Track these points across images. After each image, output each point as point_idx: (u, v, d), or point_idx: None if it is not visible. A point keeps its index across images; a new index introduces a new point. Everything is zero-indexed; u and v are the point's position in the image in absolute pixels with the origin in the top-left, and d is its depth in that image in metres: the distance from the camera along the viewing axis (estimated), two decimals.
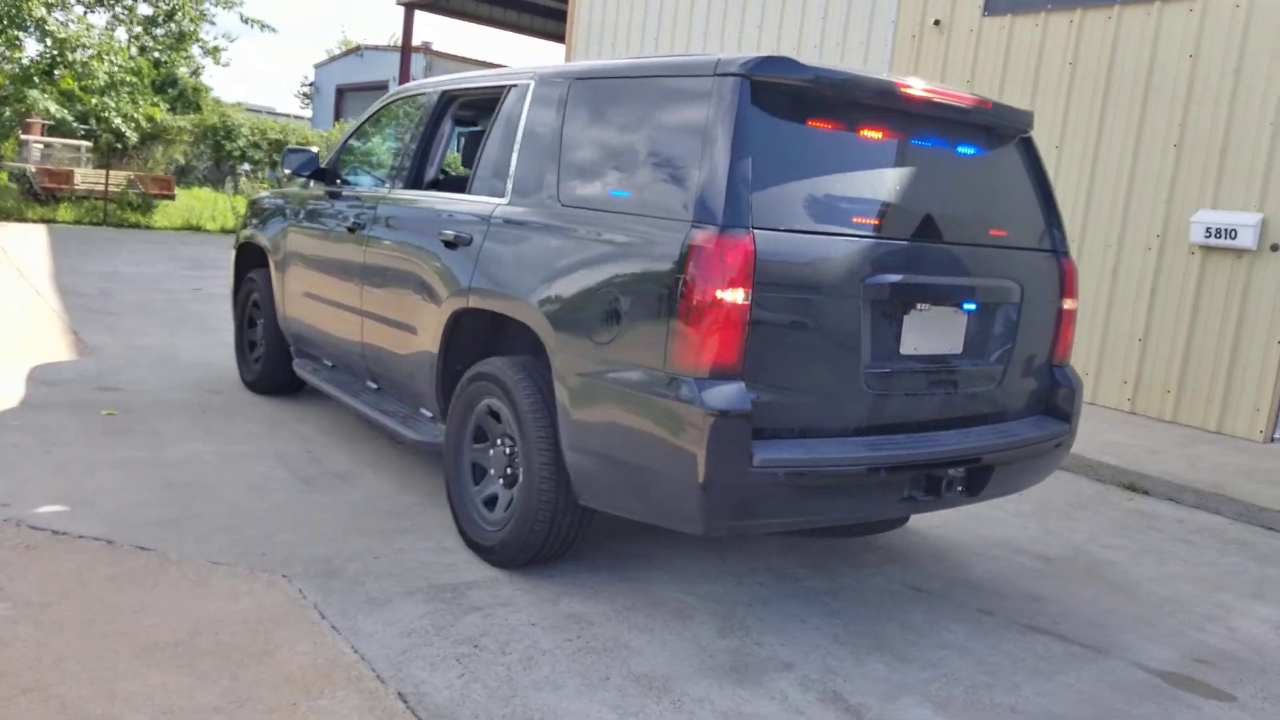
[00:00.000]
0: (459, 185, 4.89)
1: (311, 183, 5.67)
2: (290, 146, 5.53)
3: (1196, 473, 6.17)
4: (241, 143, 20.30)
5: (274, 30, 17.51)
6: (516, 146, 3.98)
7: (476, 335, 4.13)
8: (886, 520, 3.77)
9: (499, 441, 3.85)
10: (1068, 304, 3.97)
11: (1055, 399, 3.97)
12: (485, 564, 3.80)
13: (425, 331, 4.25)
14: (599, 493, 3.39)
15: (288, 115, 35.33)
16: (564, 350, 3.39)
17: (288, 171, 5.49)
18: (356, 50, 30.95)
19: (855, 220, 3.28)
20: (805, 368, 3.16)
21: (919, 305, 3.39)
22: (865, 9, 10.36)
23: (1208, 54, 7.65)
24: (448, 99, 4.74)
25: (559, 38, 23.63)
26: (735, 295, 2.97)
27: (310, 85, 35.20)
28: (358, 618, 3.25)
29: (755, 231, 3.01)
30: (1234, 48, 7.51)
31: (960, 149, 3.63)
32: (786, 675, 3.17)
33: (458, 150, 5.02)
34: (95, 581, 3.32)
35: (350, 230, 4.95)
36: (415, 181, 4.73)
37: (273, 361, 6.01)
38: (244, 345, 6.40)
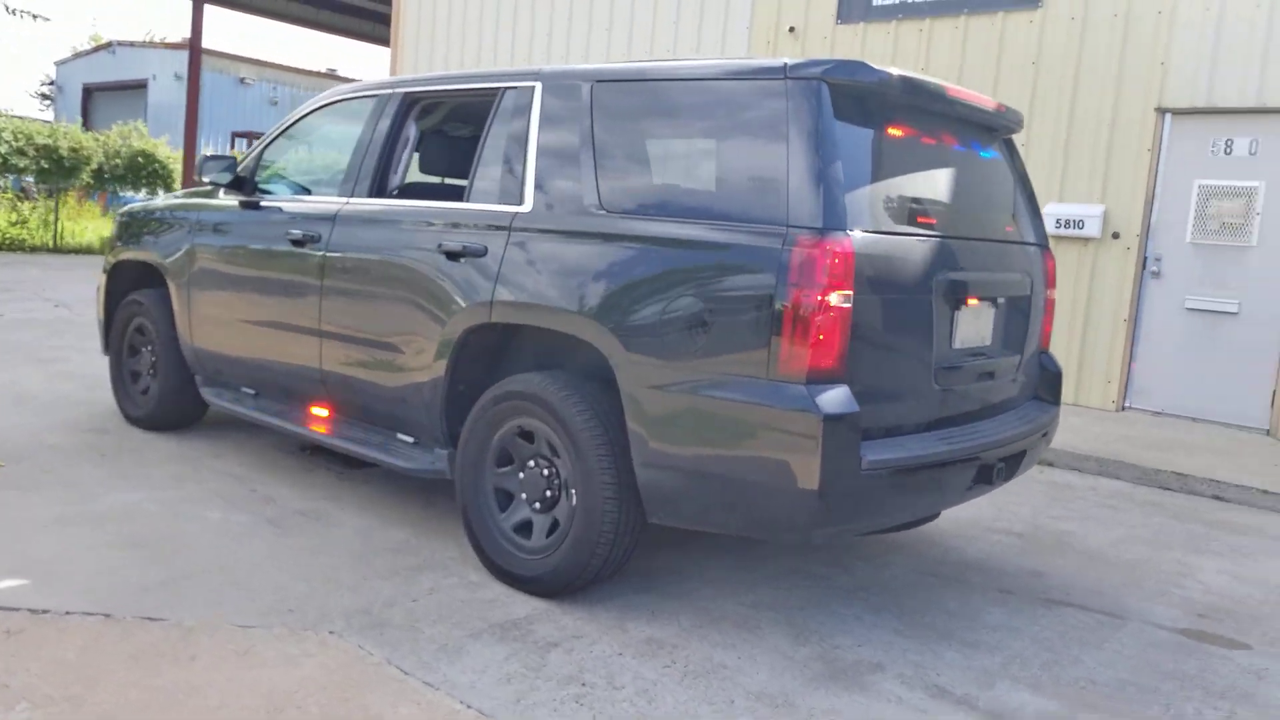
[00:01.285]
0: (439, 193, 4.62)
1: (222, 193, 5.12)
2: (209, 154, 4.97)
3: (1086, 442, 6.74)
4: (3, 149, 18.05)
5: (46, 19, 15.46)
6: (531, 152, 3.76)
7: (488, 352, 3.88)
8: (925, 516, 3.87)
9: (532, 464, 3.63)
10: (1051, 294, 4.22)
11: (1045, 383, 4.21)
12: (525, 595, 3.57)
13: (423, 351, 3.94)
14: (680, 508, 3.26)
15: (24, 118, 31.85)
16: (635, 363, 3.23)
17: (207, 181, 4.93)
18: (108, 46, 28.29)
19: (920, 220, 3.34)
20: (890, 366, 3.19)
21: (969, 301, 3.49)
22: (719, 13, 10.58)
23: (1048, 61, 8.37)
24: (410, 101, 4.41)
25: (369, 37, 22.77)
26: (839, 298, 2.94)
27: (51, 84, 31.86)
28: (442, 668, 2.97)
29: (852, 234, 2.99)
30: (1072, 55, 8.26)
31: (980, 150, 3.78)
32: (883, 675, 3.18)
33: (422, 155, 4.65)
34: (117, 664, 2.85)
35: (297, 244, 4.51)
36: (379, 190, 4.38)
37: (171, 393, 5.39)
38: (123, 377, 5.70)
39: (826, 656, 3.29)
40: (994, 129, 3.90)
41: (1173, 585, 4.29)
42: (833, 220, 2.97)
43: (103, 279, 5.87)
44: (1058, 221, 8.16)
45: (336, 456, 5.14)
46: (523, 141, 3.82)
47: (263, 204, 4.90)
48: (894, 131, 3.32)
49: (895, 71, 3.23)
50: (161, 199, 5.89)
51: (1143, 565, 4.54)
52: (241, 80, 27.68)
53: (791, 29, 9.95)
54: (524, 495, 3.67)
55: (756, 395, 3.00)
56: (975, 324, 3.57)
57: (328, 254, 4.37)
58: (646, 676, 3.03)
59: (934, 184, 3.46)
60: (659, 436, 3.20)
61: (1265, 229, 7.44)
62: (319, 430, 4.58)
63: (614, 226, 3.40)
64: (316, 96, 4.98)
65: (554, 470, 3.57)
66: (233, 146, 25.13)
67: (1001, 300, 3.73)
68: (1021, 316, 3.91)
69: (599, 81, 3.67)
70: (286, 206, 4.78)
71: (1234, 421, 7.57)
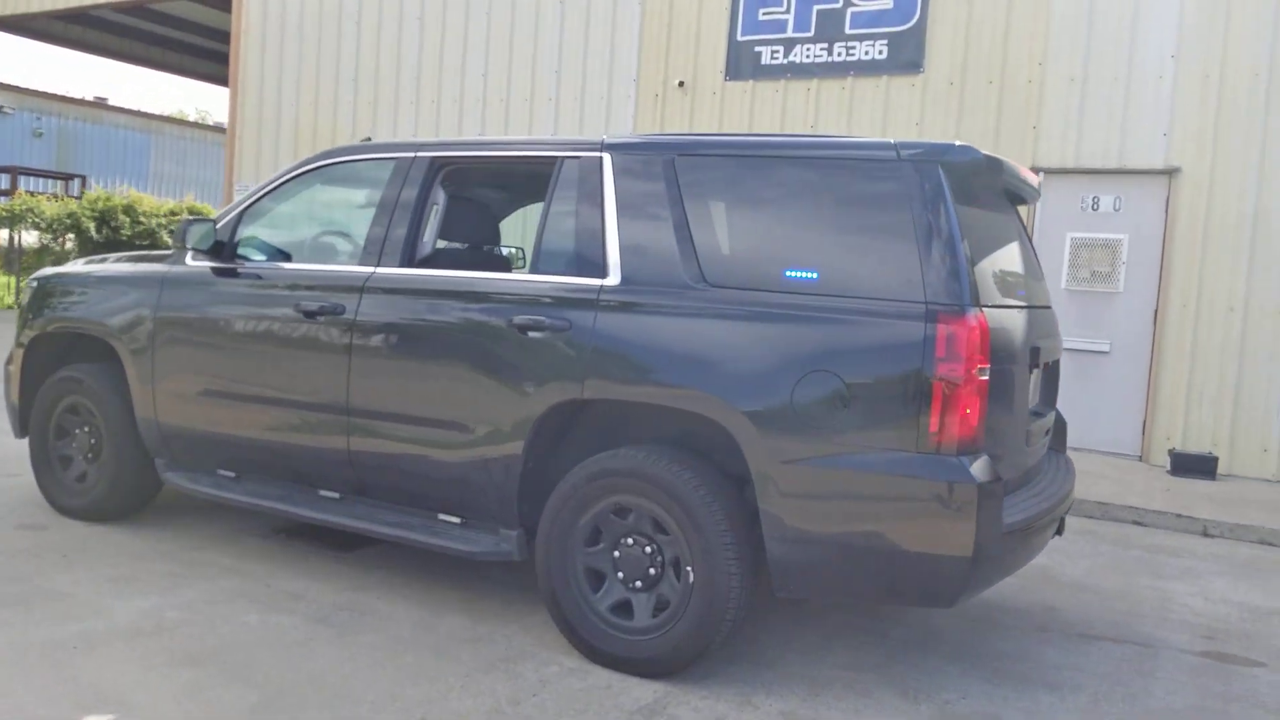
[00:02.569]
0: (473, 262, 4.44)
1: (189, 258, 4.70)
2: (191, 217, 4.54)
3: None
4: None
5: None
6: (610, 224, 3.71)
7: (568, 430, 3.77)
8: None
9: (630, 542, 3.55)
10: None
11: (1058, 434, 4.55)
12: (635, 677, 3.48)
13: (492, 429, 3.77)
14: (816, 581, 3.30)
15: None
16: (768, 440, 3.25)
17: (191, 248, 4.51)
18: None
19: (1012, 292, 3.57)
20: (1003, 431, 3.37)
21: (1038, 365, 3.75)
22: (603, 66, 10.73)
23: (931, 123, 9.06)
24: (439, 165, 4.24)
25: (211, 78, 21.52)
26: (980, 372, 3.10)
27: None
28: None
29: (984, 310, 3.17)
30: (952, 117, 8.98)
31: (1019, 220, 4.08)
32: None
33: (450, 222, 4.43)
34: None
35: (311, 315, 4.21)
36: (409, 259, 4.17)
37: (125, 479, 4.86)
38: (51, 463, 5.09)
39: (947, 712, 3.40)
40: (1027, 201, 4.21)
41: (1166, 611, 4.72)
42: (969, 297, 3.14)
43: (17, 353, 5.22)
44: None
45: (317, 538, 4.84)
46: (597, 213, 3.76)
47: (248, 270, 4.54)
48: (980, 208, 3.54)
49: (984, 152, 3.45)
50: (87, 263, 5.32)
51: (1128, 594, 4.96)
52: None
53: (681, 84, 10.25)
54: (620, 575, 3.58)
55: (907, 468, 3.10)
56: (1037, 386, 3.84)
57: (356, 327, 4.11)
58: None
59: (1009, 256, 3.71)
60: (795, 511, 3.23)
61: (1130, 277, 8.35)
62: (329, 515, 4.27)
63: (727, 301, 3.42)
64: (304, 159, 4.68)
65: (656, 548, 3.51)
66: None
67: (1050, 362, 4.03)
68: (1053, 375, 4.23)
69: (682, 155, 3.69)
70: (286, 274, 4.46)
71: (1110, 450, 8.39)
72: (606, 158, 3.83)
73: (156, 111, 34.55)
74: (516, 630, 3.88)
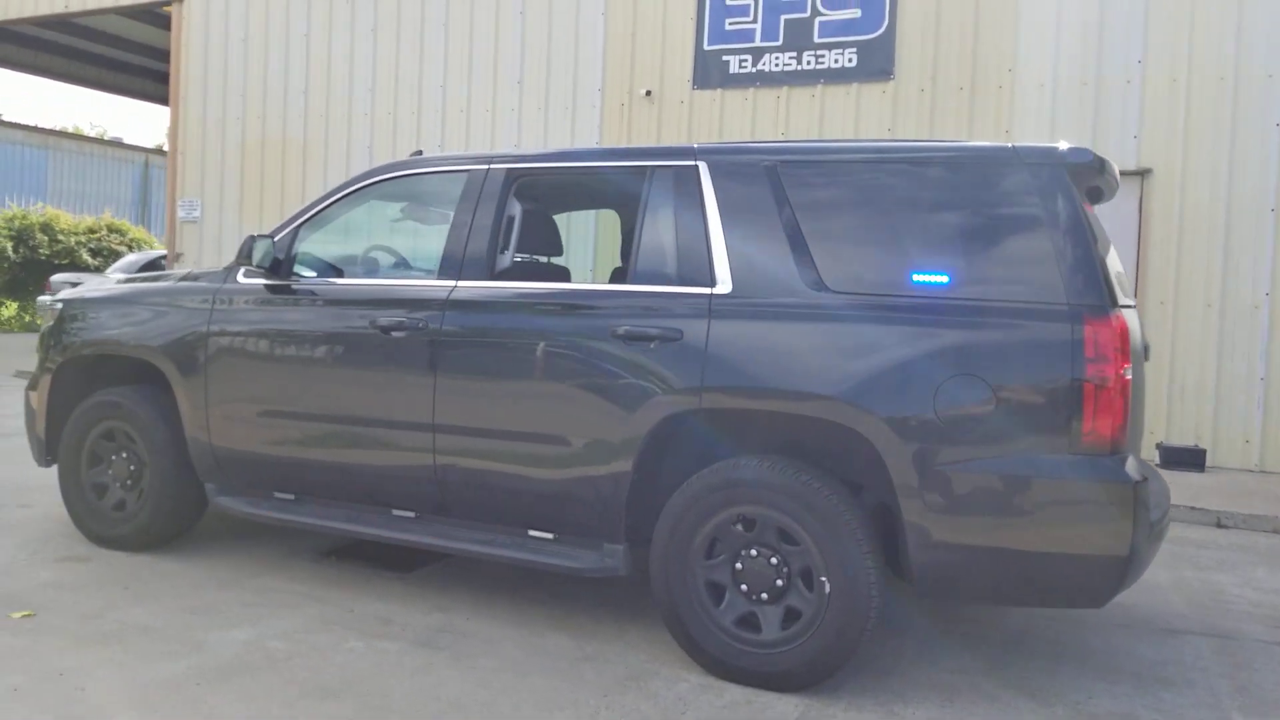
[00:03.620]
0: (552, 274, 4.32)
1: (242, 275, 4.46)
2: (255, 234, 4.30)
3: None
4: None
5: None
6: (715, 232, 3.63)
7: (680, 440, 3.68)
8: None
9: (753, 553, 3.48)
10: None
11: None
12: (768, 692, 3.40)
13: (598, 442, 3.65)
14: (964, 586, 3.27)
15: None
16: (910, 446, 3.20)
17: (256, 264, 4.26)
18: None
19: (1129, 290, 3.63)
20: (1134, 429, 3.42)
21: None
22: (566, 76, 10.63)
23: (902, 129, 9.23)
24: (515, 178, 4.10)
25: (150, 96, 20.65)
26: (1125, 371, 3.14)
27: None
28: None
29: (1120, 310, 3.21)
30: (924, 123, 9.17)
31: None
32: None
33: (526, 234, 4.28)
34: None
35: (388, 331, 4.03)
36: (489, 272, 4.02)
37: (170, 505, 4.60)
38: (83, 493, 4.77)
39: (1081, 712, 3.39)
40: (1104, 201, 4.27)
41: (1225, 603, 4.82)
42: (1110, 298, 3.17)
43: (43, 379, 4.88)
44: None
45: (369, 560, 4.67)
46: (699, 221, 3.68)
47: (309, 287, 4.34)
48: (1089, 208, 3.58)
49: (1095, 152, 3.50)
50: (115, 284, 5.00)
51: (1181, 587, 5.08)
52: None
53: (648, 93, 10.22)
54: (744, 587, 3.49)
55: (1062, 470, 3.10)
56: None
57: (442, 341, 3.94)
58: None
59: (1112, 255, 3.77)
60: (942, 517, 3.20)
61: None
62: (406, 534, 4.10)
63: (854, 306, 3.38)
64: (363, 173, 4.48)
65: (781, 559, 3.45)
66: None
67: None
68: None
69: (785, 161, 3.65)
70: (356, 289, 4.28)
71: None
72: (702, 166, 3.76)
73: (51, 126, 32.85)
74: (623, 647, 3.76)
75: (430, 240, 4.68)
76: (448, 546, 4.00)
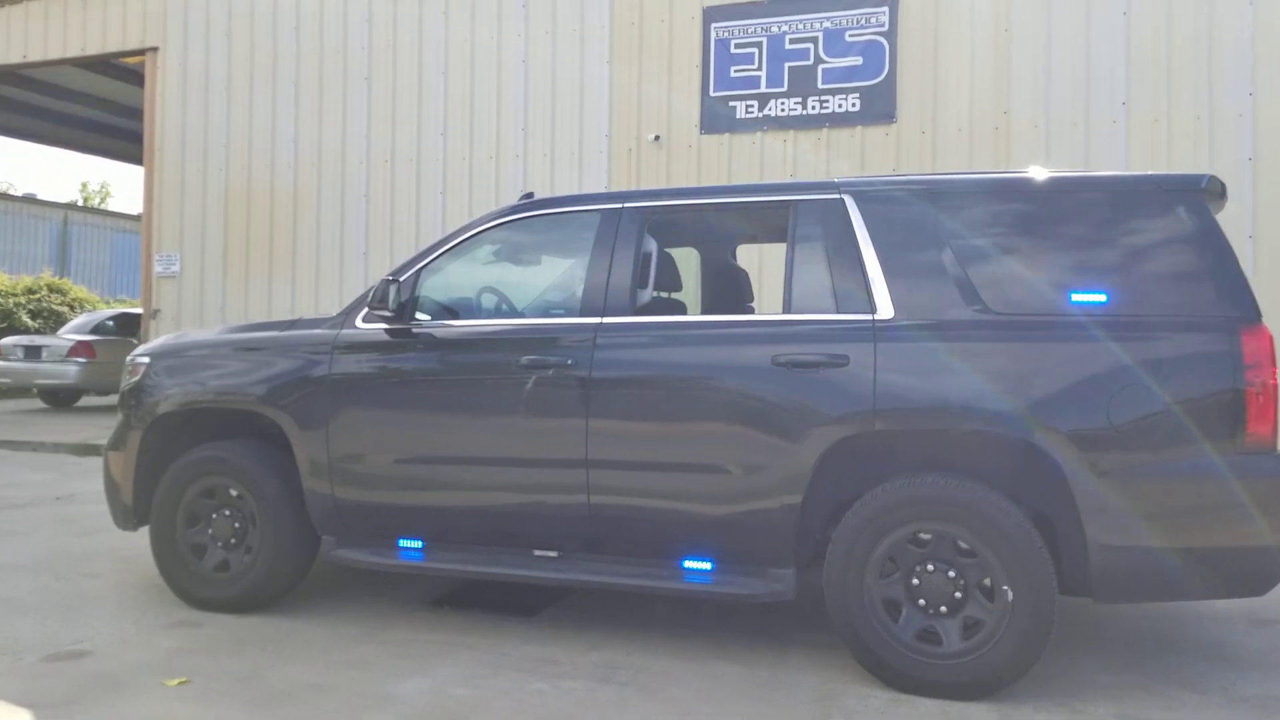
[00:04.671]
0: (679, 309, 4.49)
1: (360, 320, 4.49)
2: (388, 276, 4.32)
3: None
4: None
5: None
6: (871, 260, 3.82)
7: (847, 463, 3.82)
8: None
9: (929, 568, 3.63)
10: None
11: None
12: (957, 702, 3.54)
13: (765, 469, 3.78)
14: (1139, 586, 3.48)
15: None
16: (1086, 456, 3.42)
17: (390, 309, 4.28)
18: None
19: None
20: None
21: None
22: (572, 123, 10.84)
23: (906, 169, 9.63)
24: (648, 215, 4.25)
25: (122, 156, 20.29)
26: (1275, 375, 3.41)
27: None
28: None
29: None
30: (926, 163, 9.59)
31: None
32: None
33: (664, 270, 4.41)
34: None
35: (532, 370, 4.11)
36: (632, 308, 4.14)
37: (284, 563, 4.52)
38: (179, 554, 4.65)
39: (1235, 698, 3.62)
40: None
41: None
42: (1258, 311, 3.45)
43: (132, 436, 4.77)
44: None
45: (488, 606, 4.71)
46: (852, 251, 3.87)
47: (438, 330, 4.39)
48: None
49: (1218, 178, 3.78)
50: (206, 335, 4.96)
51: None
52: None
53: (656, 137, 10.48)
54: (921, 602, 3.65)
55: (1231, 470, 3.34)
56: None
57: (593, 378, 4.03)
58: None
59: None
60: (1119, 523, 3.41)
61: None
62: (551, 573, 4.16)
63: (1021, 326, 3.59)
64: (486, 215, 4.57)
65: (959, 572, 3.61)
66: None
67: None
68: None
69: (933, 192, 3.87)
70: (491, 330, 4.36)
71: None
72: (848, 199, 3.97)
73: None
74: (795, 670, 3.87)
75: (546, 280, 4.78)
76: (605, 582, 4.06)
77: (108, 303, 24.05)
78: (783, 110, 10.02)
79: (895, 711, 3.46)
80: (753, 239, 5.26)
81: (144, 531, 4.88)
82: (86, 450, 10.17)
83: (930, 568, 3.63)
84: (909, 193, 3.91)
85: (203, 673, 3.75)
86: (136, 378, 4.87)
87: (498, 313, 4.63)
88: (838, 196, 3.99)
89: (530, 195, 4.76)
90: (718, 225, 4.89)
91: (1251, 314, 3.44)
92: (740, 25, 10.17)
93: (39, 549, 5.82)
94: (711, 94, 10.29)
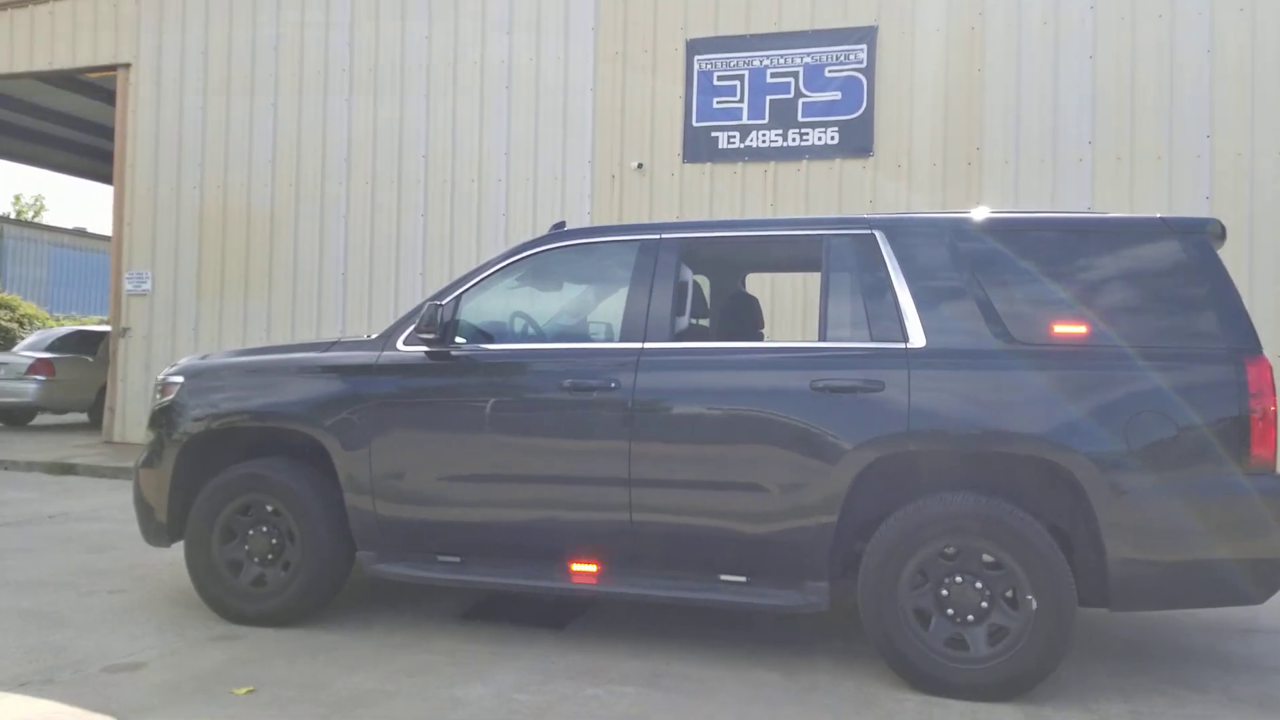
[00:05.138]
0: (706, 335, 4.71)
1: (402, 343, 4.64)
2: (433, 300, 4.47)
3: None
4: None
5: None
6: (903, 292, 4.09)
7: (876, 483, 4.07)
8: None
9: (958, 580, 3.89)
10: None
11: None
12: (984, 703, 3.80)
13: (802, 488, 4.01)
14: (1151, 596, 3.78)
15: None
16: (1106, 476, 3.71)
17: (435, 332, 4.44)
18: None
19: None
20: None
21: None
22: (556, 148, 11.05)
23: (883, 201, 10.02)
24: (688, 246, 4.49)
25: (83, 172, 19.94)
26: (1275, 402, 3.74)
27: None
28: None
29: None
30: (901, 197, 9.99)
31: None
32: None
33: (698, 298, 4.64)
34: None
35: (575, 393, 4.30)
36: (671, 334, 4.36)
37: (323, 577, 4.64)
38: (216, 569, 4.74)
39: (1234, 697, 3.93)
40: None
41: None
42: (1259, 342, 3.79)
43: (168, 453, 4.85)
44: None
45: (517, 619, 4.88)
46: (884, 283, 4.14)
47: (480, 353, 4.56)
48: None
49: (1219, 220, 4.13)
50: (240, 355, 5.06)
51: None
52: None
53: (640, 165, 10.74)
54: (950, 611, 3.90)
55: (1238, 489, 3.67)
56: None
57: (636, 400, 4.24)
58: None
59: None
60: (1137, 538, 3.71)
61: None
62: (584, 585, 4.34)
63: (1045, 355, 3.88)
64: (524, 243, 4.76)
65: (985, 583, 3.87)
66: None
67: None
68: None
69: (958, 229, 4.17)
70: (534, 354, 4.57)
71: None
72: (879, 234, 4.24)
73: None
74: (830, 677, 4.09)
75: (583, 306, 4.98)
76: (646, 595, 4.25)
77: (58, 320, 23.56)
78: (764, 141, 10.36)
79: (929, 713, 3.70)
80: (783, 269, 5.51)
81: (155, 549, 4.98)
82: (62, 469, 10.04)
83: (959, 579, 3.89)
84: (936, 229, 4.20)
85: (265, 682, 3.86)
86: (170, 397, 4.95)
87: (536, 337, 4.81)
88: (869, 232, 4.26)
89: (562, 224, 4.96)
90: (749, 256, 5.14)
91: (1254, 345, 3.78)
92: (723, 58, 10.51)
93: (53, 565, 5.81)
94: (694, 124, 10.59)
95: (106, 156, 17.07)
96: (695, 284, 4.75)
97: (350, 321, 11.72)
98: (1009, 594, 3.84)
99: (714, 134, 10.52)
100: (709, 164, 10.56)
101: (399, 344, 4.66)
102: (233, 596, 4.71)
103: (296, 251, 12.01)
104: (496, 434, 4.44)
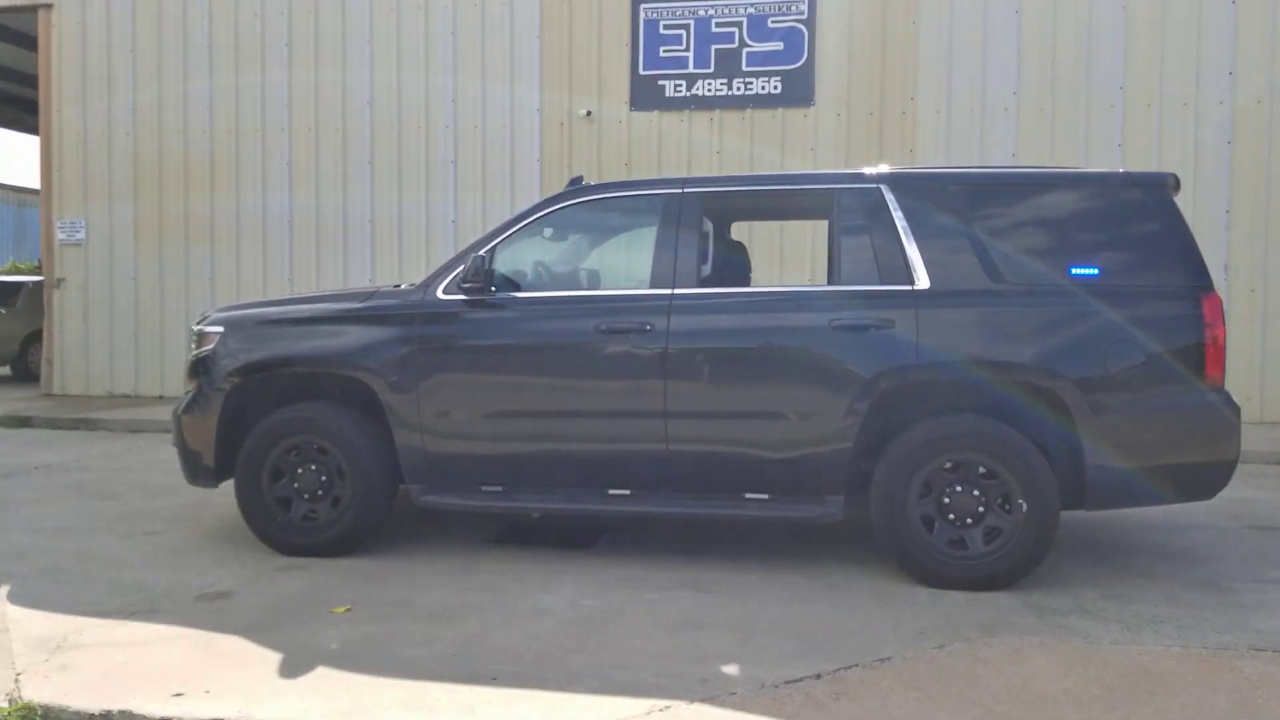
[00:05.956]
0: (739, 279, 5.16)
1: (440, 291, 4.96)
2: (480, 254, 4.79)
3: None
4: None
5: None
6: (909, 241, 4.62)
7: (886, 408, 4.62)
8: None
9: (958, 489, 4.50)
10: None
11: None
12: (978, 592, 4.44)
13: (822, 415, 4.54)
14: (1122, 494, 4.46)
15: None
16: (1089, 395, 4.35)
17: (481, 281, 4.77)
18: None
19: None
20: None
21: None
22: (503, 94, 11.22)
23: (824, 148, 10.57)
24: (710, 199, 4.92)
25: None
26: (1222, 331, 4.43)
27: None
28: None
29: None
30: (841, 143, 10.56)
31: None
32: None
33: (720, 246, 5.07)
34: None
35: (614, 334, 4.72)
36: (699, 280, 4.81)
37: (373, 510, 4.99)
38: (267, 506, 5.05)
39: (1179, 582, 4.68)
40: None
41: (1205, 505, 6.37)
42: (1211, 280, 4.46)
43: (214, 399, 5.09)
44: None
45: (545, 541, 5.31)
46: (892, 232, 4.66)
47: (521, 300, 4.93)
48: None
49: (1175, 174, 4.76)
50: (281, 305, 5.30)
51: None
52: None
53: (588, 113, 11.02)
54: (951, 516, 4.52)
55: (1198, 403, 4.36)
56: None
57: (671, 341, 4.68)
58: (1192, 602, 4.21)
59: None
60: (1114, 447, 4.37)
61: None
62: (628, 506, 4.82)
63: (1035, 294, 4.48)
64: (551, 196, 5.11)
65: (983, 490, 4.50)
66: None
67: None
68: None
69: (954, 183, 4.71)
70: (572, 300, 4.96)
71: None
72: (885, 188, 4.75)
73: None
74: (847, 576, 4.67)
75: (612, 256, 5.38)
76: (679, 513, 4.77)
77: None
78: (709, 90, 10.75)
79: (939, 600, 4.33)
80: (790, 218, 5.95)
81: (170, 493, 5.20)
82: (18, 422, 9.92)
83: (959, 488, 4.51)
84: (937, 183, 4.74)
85: (355, 602, 4.23)
86: (210, 346, 5.17)
87: (568, 284, 5.18)
88: (876, 186, 4.77)
89: (579, 179, 5.32)
90: (765, 208, 5.59)
91: (1208, 282, 4.45)
92: (668, 7, 10.80)
93: (74, 513, 5.96)
94: (641, 72, 10.90)
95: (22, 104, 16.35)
96: (725, 232, 5.20)
97: (298, 272, 11.74)
98: (1002, 500, 4.47)
99: (660, 82, 10.85)
100: (657, 112, 10.90)
101: (439, 293, 4.98)
102: (284, 531, 5.03)
103: (239, 199, 11.90)
104: (539, 374, 4.84)
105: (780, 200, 5.32)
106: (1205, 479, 4.47)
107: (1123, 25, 10.02)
